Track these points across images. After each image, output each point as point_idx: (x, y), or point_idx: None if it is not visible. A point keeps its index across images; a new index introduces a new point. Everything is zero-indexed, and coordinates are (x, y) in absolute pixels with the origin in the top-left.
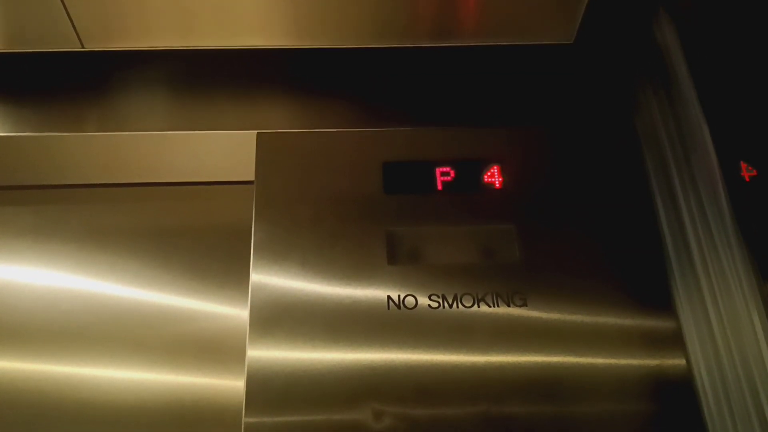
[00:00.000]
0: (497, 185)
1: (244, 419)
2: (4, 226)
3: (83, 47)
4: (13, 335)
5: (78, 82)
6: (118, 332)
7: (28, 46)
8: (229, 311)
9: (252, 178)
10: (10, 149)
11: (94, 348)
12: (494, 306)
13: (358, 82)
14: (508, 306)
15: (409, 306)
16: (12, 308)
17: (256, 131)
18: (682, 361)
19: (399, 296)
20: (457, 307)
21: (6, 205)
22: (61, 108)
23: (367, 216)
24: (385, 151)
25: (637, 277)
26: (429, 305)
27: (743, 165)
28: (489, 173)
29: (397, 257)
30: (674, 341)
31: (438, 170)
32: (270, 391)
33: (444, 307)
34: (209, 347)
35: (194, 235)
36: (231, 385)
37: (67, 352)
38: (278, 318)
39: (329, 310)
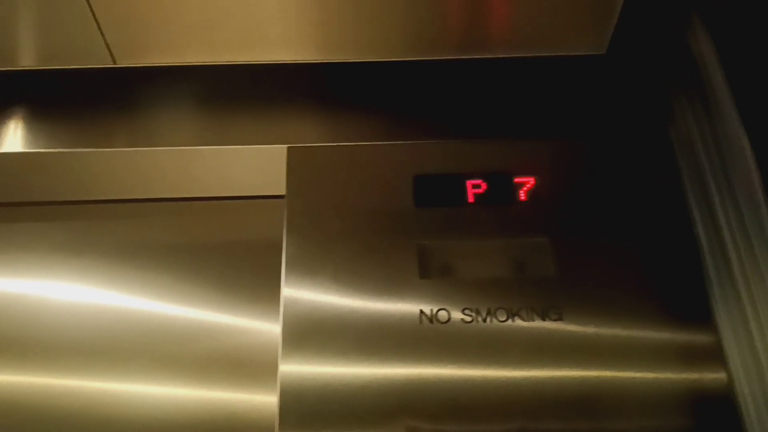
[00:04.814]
0: (529, 197)
1: None
2: (36, 242)
3: (115, 63)
4: (44, 351)
5: (109, 98)
6: (148, 348)
7: (61, 62)
8: (260, 326)
9: (283, 192)
10: (43, 165)
11: (124, 363)
12: (529, 320)
13: (388, 96)
14: (543, 320)
15: (441, 320)
16: (43, 324)
17: (286, 146)
18: (723, 375)
19: (431, 310)
20: (491, 321)
21: (37, 221)
22: (92, 124)
23: (399, 229)
24: (416, 164)
25: (674, 289)
26: (462, 319)
27: None
28: (520, 185)
29: (429, 271)
30: (714, 355)
31: (469, 183)
32: (303, 407)
33: (477, 321)
34: (241, 362)
35: (225, 249)
36: (263, 400)
37: (98, 368)
38: (310, 332)
39: (361, 325)
